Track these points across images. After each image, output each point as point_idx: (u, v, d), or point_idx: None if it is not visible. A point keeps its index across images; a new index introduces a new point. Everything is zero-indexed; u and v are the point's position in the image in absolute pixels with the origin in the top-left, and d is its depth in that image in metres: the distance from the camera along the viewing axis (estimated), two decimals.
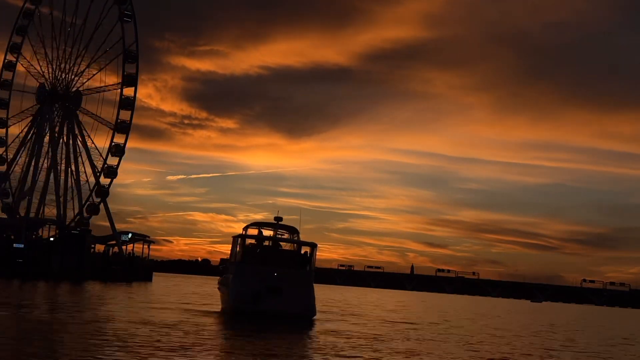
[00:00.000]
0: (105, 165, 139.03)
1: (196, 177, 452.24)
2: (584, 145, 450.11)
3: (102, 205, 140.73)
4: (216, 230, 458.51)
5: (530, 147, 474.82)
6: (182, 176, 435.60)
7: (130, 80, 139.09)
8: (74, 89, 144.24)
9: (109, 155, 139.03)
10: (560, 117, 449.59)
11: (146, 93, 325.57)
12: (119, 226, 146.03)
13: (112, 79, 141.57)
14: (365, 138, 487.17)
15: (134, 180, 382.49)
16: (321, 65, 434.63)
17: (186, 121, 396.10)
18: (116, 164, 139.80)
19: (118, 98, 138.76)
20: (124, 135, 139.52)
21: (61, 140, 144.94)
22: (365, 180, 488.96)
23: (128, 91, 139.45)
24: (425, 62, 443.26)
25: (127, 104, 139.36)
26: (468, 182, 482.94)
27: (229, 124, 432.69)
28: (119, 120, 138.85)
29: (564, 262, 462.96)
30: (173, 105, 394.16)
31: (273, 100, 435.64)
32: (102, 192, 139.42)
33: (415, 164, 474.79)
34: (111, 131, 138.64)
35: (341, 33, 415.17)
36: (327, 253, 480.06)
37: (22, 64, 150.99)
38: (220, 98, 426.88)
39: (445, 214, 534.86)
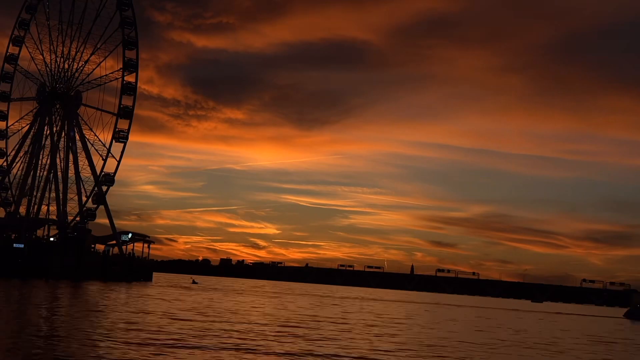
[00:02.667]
0: (103, 173, 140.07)
1: (198, 173, 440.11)
2: (615, 136, 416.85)
3: (101, 205, 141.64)
4: (217, 229, 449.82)
5: (557, 139, 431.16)
6: (183, 170, 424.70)
7: (130, 66, 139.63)
8: (74, 89, 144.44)
9: (113, 142, 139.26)
10: (596, 104, 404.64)
11: (147, 77, 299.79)
12: (119, 223, 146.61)
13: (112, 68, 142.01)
14: (379, 130, 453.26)
15: (134, 176, 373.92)
16: (338, 43, 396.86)
17: (191, 112, 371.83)
18: (113, 171, 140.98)
19: (119, 86, 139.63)
20: (127, 121, 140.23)
21: (61, 141, 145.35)
22: (376, 176, 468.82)
23: (129, 78, 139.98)
24: (449, 40, 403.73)
25: (129, 89, 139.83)
26: (483, 177, 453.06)
27: (236, 114, 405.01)
28: (121, 106, 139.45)
29: (575, 261, 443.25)
30: (176, 92, 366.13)
31: (284, 88, 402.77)
32: (100, 197, 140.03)
33: (431, 157, 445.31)
34: (114, 121, 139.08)
35: (363, 4, 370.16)
36: (331, 252, 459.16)
37: (22, 65, 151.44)
38: (228, 83, 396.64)
39: (456, 210, 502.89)
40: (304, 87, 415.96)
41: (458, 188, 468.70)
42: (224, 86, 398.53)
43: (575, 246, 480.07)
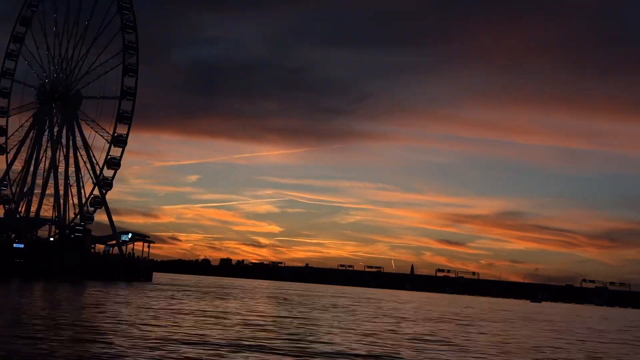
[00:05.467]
0: (102, 177, 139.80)
1: (200, 168, 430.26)
2: None
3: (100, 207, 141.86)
4: (220, 227, 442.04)
5: (578, 128, 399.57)
6: (184, 165, 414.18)
7: (131, 70, 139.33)
8: (74, 89, 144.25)
9: (105, 167, 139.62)
10: (622, 89, 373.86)
11: (147, 53, 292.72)
12: (121, 220, 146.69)
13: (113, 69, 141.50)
14: (395, 121, 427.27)
15: (135, 172, 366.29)
16: (359, 16, 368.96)
17: (194, 101, 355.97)
18: (112, 175, 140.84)
19: (119, 88, 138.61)
20: (120, 149, 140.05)
21: (60, 141, 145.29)
22: (384, 171, 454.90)
23: (129, 82, 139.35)
24: (472, 18, 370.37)
25: (129, 94, 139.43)
26: (494, 171, 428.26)
27: (242, 102, 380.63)
28: (120, 111, 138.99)
29: (588, 261, 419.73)
30: (176, 76, 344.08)
31: (295, 71, 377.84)
32: (98, 201, 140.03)
33: (448, 151, 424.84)
34: (113, 122, 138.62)
35: None
36: (336, 250, 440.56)
37: (24, 56, 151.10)
38: (232, 68, 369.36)
39: (466, 207, 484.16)
40: (316, 70, 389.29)
41: (468, 183, 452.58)
42: (228, 69, 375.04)
43: (591, 245, 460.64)
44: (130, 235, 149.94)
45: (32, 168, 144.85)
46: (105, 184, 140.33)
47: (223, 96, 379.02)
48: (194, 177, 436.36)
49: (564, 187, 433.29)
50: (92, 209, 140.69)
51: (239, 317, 54.44)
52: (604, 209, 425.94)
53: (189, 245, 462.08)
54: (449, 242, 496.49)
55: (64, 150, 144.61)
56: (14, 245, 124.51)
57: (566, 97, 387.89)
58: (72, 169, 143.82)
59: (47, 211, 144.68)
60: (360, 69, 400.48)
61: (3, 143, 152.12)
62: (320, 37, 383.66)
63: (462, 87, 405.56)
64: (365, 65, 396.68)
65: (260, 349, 33.02)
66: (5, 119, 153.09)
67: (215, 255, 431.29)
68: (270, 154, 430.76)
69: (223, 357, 29.50)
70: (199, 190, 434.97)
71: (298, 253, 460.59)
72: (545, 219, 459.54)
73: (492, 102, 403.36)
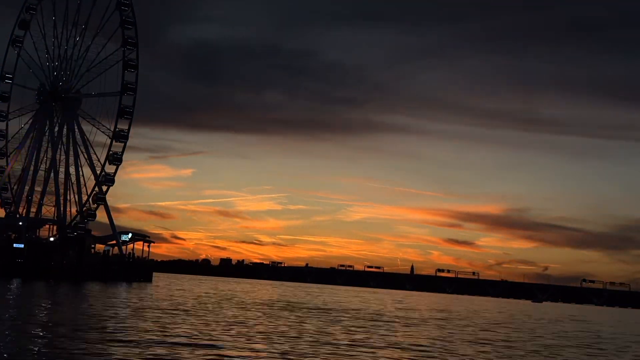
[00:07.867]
0: (103, 173, 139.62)
1: (201, 165, 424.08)
2: None
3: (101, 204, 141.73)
4: (221, 224, 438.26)
5: (594, 119, 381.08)
6: (185, 162, 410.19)
7: (130, 66, 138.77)
8: (74, 90, 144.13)
9: (107, 163, 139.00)
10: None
11: (144, 37, 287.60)
12: (122, 217, 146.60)
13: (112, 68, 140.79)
14: (405, 113, 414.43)
15: (137, 170, 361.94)
16: None
17: (195, 88, 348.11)
18: (113, 171, 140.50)
19: (119, 88, 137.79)
20: (121, 145, 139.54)
21: (61, 141, 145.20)
22: (390, 168, 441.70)
23: (129, 77, 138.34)
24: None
25: (126, 113, 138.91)
26: (503, 167, 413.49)
27: (243, 93, 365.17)
28: (117, 130, 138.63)
29: (598, 261, 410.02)
30: (178, 63, 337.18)
31: (301, 55, 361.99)
32: (100, 197, 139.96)
33: (457, 145, 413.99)
34: (113, 121, 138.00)
35: None
36: (339, 249, 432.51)
37: (23, 59, 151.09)
38: (234, 52, 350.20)
39: (476, 203, 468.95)
40: (324, 54, 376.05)
41: (477, 180, 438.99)
42: (228, 54, 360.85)
43: (602, 244, 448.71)
44: (130, 235, 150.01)
45: (32, 168, 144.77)
46: (107, 180, 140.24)
47: (224, 85, 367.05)
48: (193, 173, 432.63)
49: (571, 183, 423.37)
50: (95, 205, 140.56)
51: None
52: (614, 205, 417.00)
53: (192, 244, 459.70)
54: (457, 242, 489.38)
55: (64, 149, 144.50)
56: (14, 245, 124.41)
57: (576, 90, 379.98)
58: (72, 168, 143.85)
59: (47, 211, 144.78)
60: (376, 53, 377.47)
61: (3, 147, 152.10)
62: (331, 16, 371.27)
63: (468, 77, 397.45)
64: (384, 46, 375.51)
65: None
66: (5, 122, 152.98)
67: (217, 254, 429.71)
68: (273, 152, 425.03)
69: None
70: (199, 186, 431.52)
71: (300, 251, 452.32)
72: (553, 217, 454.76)
73: (499, 94, 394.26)
